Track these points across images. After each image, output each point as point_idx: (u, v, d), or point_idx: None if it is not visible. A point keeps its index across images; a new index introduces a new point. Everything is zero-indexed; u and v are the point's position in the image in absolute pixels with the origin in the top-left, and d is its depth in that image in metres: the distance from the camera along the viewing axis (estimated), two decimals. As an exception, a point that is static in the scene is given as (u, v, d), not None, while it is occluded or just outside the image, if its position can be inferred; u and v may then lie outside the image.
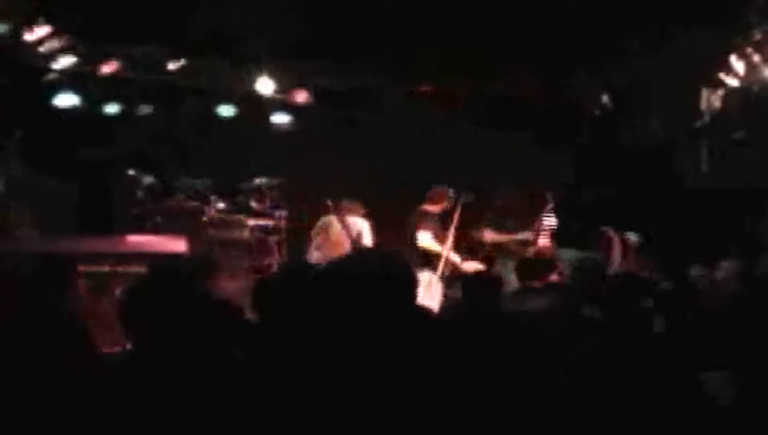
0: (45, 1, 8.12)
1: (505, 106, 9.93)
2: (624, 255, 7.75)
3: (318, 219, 8.47)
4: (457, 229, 8.43)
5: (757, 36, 8.64)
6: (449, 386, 2.63)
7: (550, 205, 8.62)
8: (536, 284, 5.50)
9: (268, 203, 9.28)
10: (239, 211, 9.06)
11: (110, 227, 8.30)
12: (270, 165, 9.35)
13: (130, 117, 9.22)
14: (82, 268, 6.51)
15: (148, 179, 8.77)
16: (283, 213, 9.29)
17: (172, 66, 9.15)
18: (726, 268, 5.89)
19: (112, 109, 9.12)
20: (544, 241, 8.46)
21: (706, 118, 9.36)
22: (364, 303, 2.71)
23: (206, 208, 8.81)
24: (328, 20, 8.49)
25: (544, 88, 9.96)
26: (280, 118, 9.83)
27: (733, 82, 8.96)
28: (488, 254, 8.56)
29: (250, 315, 3.44)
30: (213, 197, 8.98)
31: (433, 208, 8.44)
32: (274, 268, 8.69)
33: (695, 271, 5.85)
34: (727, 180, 9.19)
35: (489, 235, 8.69)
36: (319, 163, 9.39)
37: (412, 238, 8.28)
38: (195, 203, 8.81)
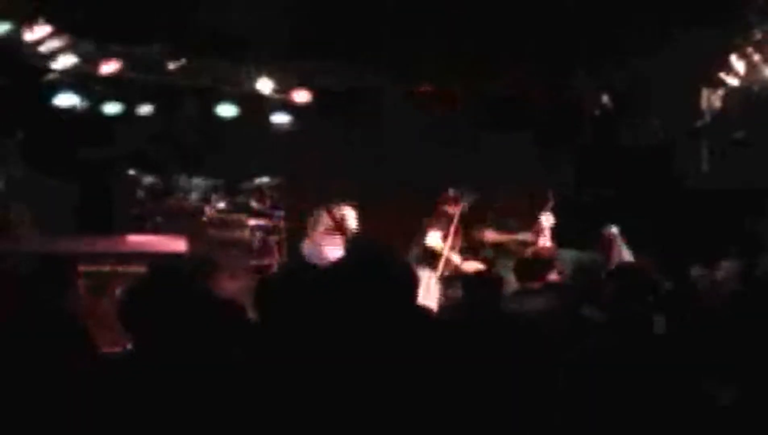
0: (45, 1, 8.12)
1: (505, 106, 9.92)
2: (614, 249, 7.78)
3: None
4: (457, 229, 8.45)
5: (757, 36, 8.64)
6: (449, 386, 2.63)
7: (551, 204, 8.62)
8: (535, 284, 5.49)
9: (268, 203, 9.28)
10: (239, 211, 9.06)
11: (110, 227, 8.29)
12: (270, 165, 9.34)
13: (130, 117, 9.21)
14: (82, 268, 6.51)
15: (148, 179, 8.77)
16: (283, 213, 9.29)
17: (172, 66, 9.15)
18: (726, 268, 5.89)
19: (112, 109, 9.11)
20: (544, 241, 8.46)
21: (707, 118, 9.36)
22: (364, 303, 2.71)
23: (206, 208, 8.81)
24: (328, 20, 8.49)
25: (544, 88, 9.96)
26: (280, 118, 9.83)
27: (733, 81, 8.96)
28: (489, 254, 8.57)
29: (251, 315, 3.44)
30: (213, 197, 8.98)
31: (452, 210, 8.48)
32: (274, 268, 8.69)
33: (695, 271, 5.85)
34: (728, 180, 9.19)
35: (489, 235, 8.70)
36: (318, 163, 9.39)
37: (422, 236, 8.38)
38: (195, 203, 8.82)
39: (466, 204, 8.55)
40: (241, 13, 8.29)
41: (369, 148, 9.67)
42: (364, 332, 2.66)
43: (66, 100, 8.76)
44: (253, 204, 9.22)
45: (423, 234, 8.47)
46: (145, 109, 9.28)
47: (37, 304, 3.98)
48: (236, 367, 2.78)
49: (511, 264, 7.09)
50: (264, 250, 8.99)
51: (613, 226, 8.11)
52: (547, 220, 8.52)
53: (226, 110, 9.50)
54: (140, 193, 8.67)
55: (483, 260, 8.37)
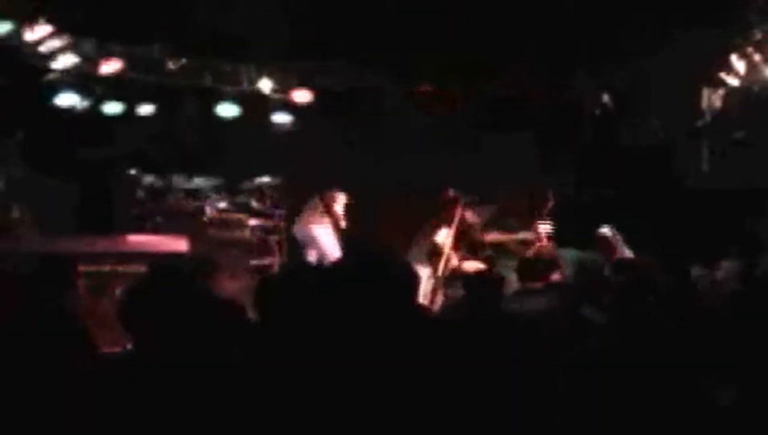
0: (45, 1, 8.12)
1: (505, 106, 9.92)
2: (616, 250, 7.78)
3: None
4: (457, 229, 8.45)
5: (758, 36, 8.64)
6: (449, 386, 2.63)
7: (551, 204, 8.62)
8: (537, 284, 5.49)
9: (268, 203, 9.28)
10: (239, 211, 9.06)
11: (110, 227, 8.30)
12: (270, 165, 9.35)
13: (130, 117, 9.21)
14: (82, 268, 6.51)
15: (148, 179, 8.77)
16: (283, 212, 9.29)
17: (172, 66, 9.16)
18: (726, 268, 5.89)
19: (112, 109, 9.11)
20: (544, 241, 8.47)
21: (707, 118, 9.36)
22: (364, 303, 2.71)
23: (206, 208, 8.81)
24: (328, 20, 8.49)
25: (544, 88, 9.96)
26: (280, 118, 9.83)
27: (733, 81, 8.96)
28: (489, 254, 8.58)
29: (251, 315, 3.44)
30: (213, 196, 8.98)
31: (453, 210, 8.51)
32: (275, 268, 8.70)
33: (695, 271, 5.85)
34: (728, 180, 9.19)
35: (489, 235, 8.71)
36: (318, 163, 9.40)
37: (424, 235, 8.44)
38: (195, 203, 8.82)
39: (481, 219, 8.61)
40: (241, 13, 8.30)
41: (369, 148, 9.66)
42: (365, 332, 2.66)
43: (66, 100, 8.76)
44: (253, 204, 9.22)
45: (430, 234, 8.51)
46: (145, 109, 9.28)
47: (37, 304, 3.98)
48: (236, 367, 2.78)
49: (511, 264, 7.11)
50: (264, 250, 9.00)
51: (606, 226, 8.07)
52: (543, 226, 8.52)
53: (226, 110, 9.50)
54: (140, 193, 8.67)
55: (483, 260, 8.37)
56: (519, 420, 2.96)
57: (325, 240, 8.67)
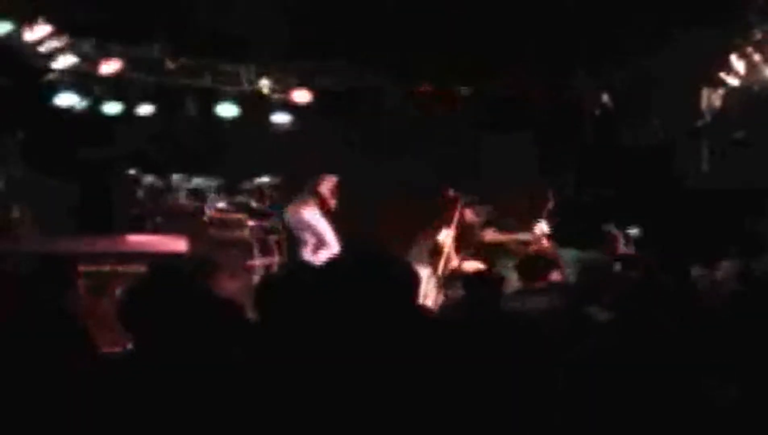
0: (45, 1, 8.12)
1: (505, 106, 9.93)
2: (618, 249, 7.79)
3: None
4: (457, 229, 8.46)
5: (757, 36, 8.64)
6: (449, 386, 2.63)
7: (551, 204, 8.62)
8: (538, 283, 5.49)
9: (268, 203, 9.28)
10: (239, 211, 9.06)
11: (110, 227, 8.30)
12: (270, 165, 9.34)
13: (130, 117, 9.21)
14: (82, 268, 6.52)
15: (148, 179, 8.76)
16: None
17: (172, 66, 9.16)
18: (726, 268, 5.89)
19: (112, 109, 9.11)
20: (544, 241, 8.47)
21: (707, 118, 9.36)
22: (365, 303, 2.71)
23: (206, 208, 8.81)
24: (328, 20, 8.49)
25: (544, 88, 9.96)
26: (280, 118, 9.83)
27: (733, 81, 8.96)
28: (489, 254, 8.58)
29: (250, 314, 3.44)
30: (213, 196, 8.98)
31: (454, 210, 8.52)
32: (274, 268, 8.70)
33: (695, 271, 5.85)
34: (728, 180, 9.19)
35: (489, 235, 8.71)
36: (318, 163, 9.40)
37: (426, 235, 8.45)
38: (195, 203, 8.82)
39: (480, 219, 8.61)
40: (240, 13, 8.30)
41: (369, 148, 9.66)
42: (365, 332, 2.66)
43: (66, 100, 8.77)
44: (253, 204, 9.22)
45: (431, 234, 8.53)
46: (145, 109, 9.28)
47: (37, 304, 3.98)
48: (236, 367, 2.78)
49: (511, 264, 7.11)
50: (264, 250, 9.00)
51: (612, 225, 8.10)
52: (541, 227, 8.52)
53: (226, 110, 9.50)
54: (140, 193, 8.67)
55: (483, 260, 8.38)
56: (519, 420, 2.96)
57: (317, 223, 8.67)
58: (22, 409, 2.89)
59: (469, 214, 8.59)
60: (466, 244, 8.64)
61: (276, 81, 9.60)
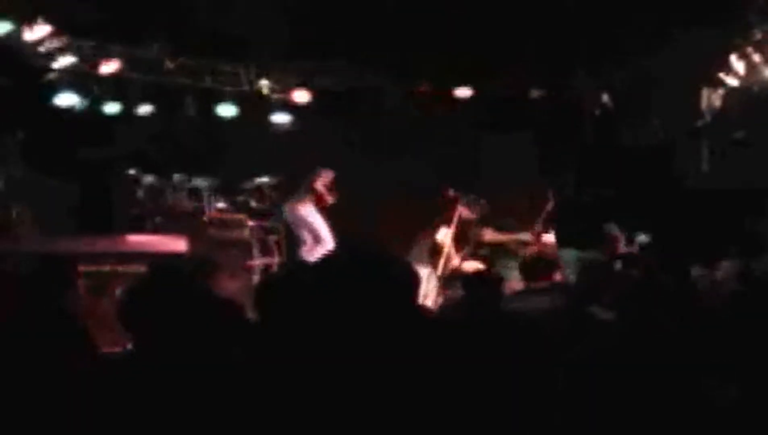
0: (45, 1, 8.12)
1: (505, 106, 9.93)
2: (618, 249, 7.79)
3: None
4: (457, 229, 8.46)
5: (757, 36, 8.65)
6: (449, 386, 2.63)
7: (551, 204, 8.62)
8: (540, 284, 5.49)
9: (268, 203, 9.28)
10: (239, 211, 9.06)
11: (110, 227, 8.30)
12: (270, 165, 9.35)
13: (130, 117, 9.21)
14: (82, 268, 6.52)
15: (148, 179, 8.76)
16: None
17: (172, 66, 9.16)
18: (726, 268, 5.88)
19: (112, 109, 9.11)
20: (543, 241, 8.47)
21: (707, 118, 9.36)
22: (364, 303, 2.71)
23: (206, 208, 8.81)
24: (328, 20, 8.50)
25: (544, 88, 9.96)
26: (280, 118, 9.84)
27: (733, 81, 8.97)
28: (489, 254, 8.58)
29: (250, 314, 3.44)
30: (213, 196, 8.98)
31: (454, 210, 8.52)
32: (274, 268, 8.70)
33: (695, 271, 5.85)
34: (727, 180, 9.19)
35: (489, 235, 8.71)
36: (318, 163, 9.40)
37: (426, 235, 8.46)
38: (195, 203, 8.82)
39: (476, 216, 8.61)
40: (240, 13, 8.30)
41: (369, 148, 9.66)
42: (364, 332, 2.66)
43: (66, 100, 8.77)
44: (253, 204, 9.22)
45: (431, 233, 8.54)
46: (145, 109, 9.28)
47: (37, 304, 3.98)
48: (236, 367, 2.78)
49: (511, 264, 7.12)
50: (264, 250, 9.00)
51: (612, 225, 8.09)
52: (548, 237, 8.51)
53: (226, 110, 9.50)
54: (140, 193, 8.67)
55: (483, 260, 8.38)
56: (519, 420, 2.96)
57: (313, 219, 8.68)
58: (22, 409, 2.89)
59: (465, 211, 8.59)
60: (464, 241, 8.65)
61: (276, 81, 9.61)
